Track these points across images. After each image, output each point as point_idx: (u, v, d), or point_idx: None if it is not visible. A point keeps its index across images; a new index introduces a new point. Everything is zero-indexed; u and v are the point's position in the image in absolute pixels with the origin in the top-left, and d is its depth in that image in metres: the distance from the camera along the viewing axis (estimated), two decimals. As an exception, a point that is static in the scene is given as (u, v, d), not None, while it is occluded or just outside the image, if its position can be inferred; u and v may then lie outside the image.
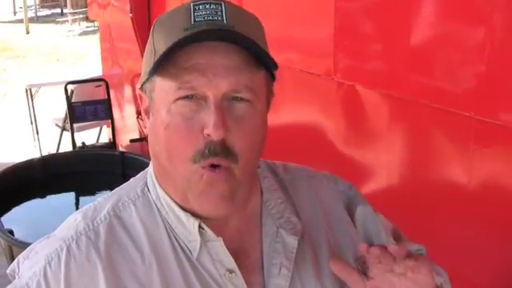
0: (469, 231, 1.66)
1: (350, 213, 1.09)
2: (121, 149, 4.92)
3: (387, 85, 1.87)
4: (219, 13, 0.88)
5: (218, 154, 0.87)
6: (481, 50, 1.51)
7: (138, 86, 0.97)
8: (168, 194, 0.96)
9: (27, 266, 0.96)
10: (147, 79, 0.92)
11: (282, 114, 2.30)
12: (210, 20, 0.87)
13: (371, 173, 2.03)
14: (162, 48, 0.88)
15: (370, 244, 0.99)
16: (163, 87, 0.89)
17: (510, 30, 1.45)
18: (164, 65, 0.87)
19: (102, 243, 0.94)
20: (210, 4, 0.89)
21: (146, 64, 0.93)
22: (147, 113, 0.96)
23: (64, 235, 0.96)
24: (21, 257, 0.99)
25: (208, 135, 0.86)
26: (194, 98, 0.87)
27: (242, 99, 0.88)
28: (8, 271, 1.00)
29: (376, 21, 1.91)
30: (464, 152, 1.62)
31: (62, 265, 0.92)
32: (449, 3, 1.61)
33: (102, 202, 1.00)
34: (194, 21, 0.87)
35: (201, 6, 0.89)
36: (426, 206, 1.82)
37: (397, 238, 1.15)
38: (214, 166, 0.88)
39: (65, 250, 0.93)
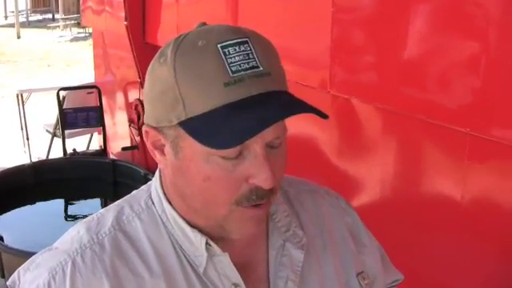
0: (462, 246, 1.66)
1: (351, 230, 1.11)
2: (112, 156, 4.91)
3: (383, 99, 1.87)
4: (251, 55, 0.85)
5: (265, 197, 0.88)
6: (476, 65, 1.52)
7: (146, 123, 0.93)
8: (176, 210, 0.95)
9: (29, 278, 0.95)
10: (171, 126, 0.87)
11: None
12: (247, 69, 0.84)
13: (365, 186, 2.04)
14: (199, 105, 0.84)
15: None
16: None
17: (506, 45, 1.45)
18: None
19: (108, 257, 0.92)
20: (239, 45, 0.85)
21: (167, 107, 0.87)
22: (157, 147, 0.93)
23: (67, 248, 0.94)
24: (21, 269, 0.97)
25: (256, 184, 0.86)
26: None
27: (279, 143, 0.89)
28: (8, 283, 0.98)
29: (373, 35, 1.92)
30: (458, 167, 1.63)
31: (67, 279, 0.91)
32: (446, 18, 1.63)
33: (105, 213, 0.99)
34: (232, 72, 0.83)
35: (230, 49, 0.85)
36: (419, 220, 1.82)
37: (384, 262, 1.18)
38: (259, 204, 0.89)
39: (70, 263, 0.92)
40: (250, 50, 0.86)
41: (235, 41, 0.86)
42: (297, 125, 2.30)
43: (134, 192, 1.03)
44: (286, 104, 0.85)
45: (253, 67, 0.85)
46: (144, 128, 0.94)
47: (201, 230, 0.94)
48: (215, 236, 0.94)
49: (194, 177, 0.88)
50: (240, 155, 0.86)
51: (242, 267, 0.95)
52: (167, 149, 0.90)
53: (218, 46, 0.85)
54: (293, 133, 2.29)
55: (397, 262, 1.24)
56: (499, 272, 1.56)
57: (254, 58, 0.85)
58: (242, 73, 0.84)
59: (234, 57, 0.84)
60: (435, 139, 1.73)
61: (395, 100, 1.82)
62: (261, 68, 0.85)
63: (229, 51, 0.84)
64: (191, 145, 0.86)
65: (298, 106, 0.86)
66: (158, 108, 0.88)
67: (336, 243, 1.07)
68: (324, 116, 0.87)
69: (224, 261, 0.94)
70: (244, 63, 0.84)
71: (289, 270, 0.99)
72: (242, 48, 0.85)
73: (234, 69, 0.83)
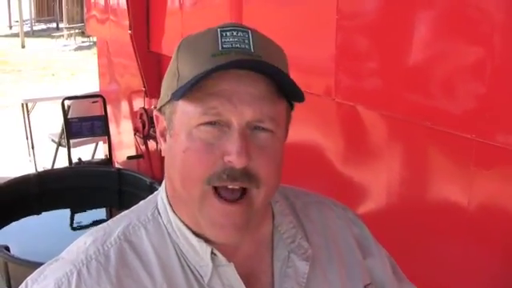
0: (468, 252, 1.66)
1: (358, 241, 1.11)
2: (117, 165, 4.91)
3: (388, 106, 1.87)
4: (246, 41, 0.89)
5: (238, 179, 0.87)
6: (481, 71, 1.52)
7: (157, 106, 0.97)
8: (180, 219, 0.96)
9: None
10: (168, 101, 0.92)
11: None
12: (238, 48, 0.87)
13: (371, 193, 2.03)
14: (187, 72, 0.88)
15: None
16: (186, 111, 0.89)
17: (511, 50, 1.45)
18: (189, 90, 0.86)
19: (113, 268, 0.93)
20: (238, 31, 0.89)
21: (167, 86, 0.93)
22: (163, 135, 0.96)
23: (74, 259, 0.95)
24: (29, 280, 0.97)
25: (229, 162, 0.86)
26: (217, 124, 0.87)
27: (264, 129, 0.89)
28: None
29: (377, 41, 1.92)
30: (464, 174, 1.63)
31: None
32: (451, 25, 1.62)
33: (112, 224, 0.99)
34: (222, 47, 0.88)
35: (228, 33, 0.89)
36: (426, 227, 1.82)
37: (395, 274, 1.17)
38: (232, 200, 0.88)
39: (75, 274, 0.92)
40: (248, 37, 0.90)
41: (235, 27, 0.90)
42: (302, 132, 2.30)
43: (141, 203, 1.04)
44: (257, 62, 0.87)
45: (244, 48, 0.88)
46: (154, 113, 0.99)
47: (205, 240, 0.93)
48: (217, 246, 0.93)
49: (177, 152, 0.90)
50: (219, 127, 0.87)
51: (246, 278, 0.95)
52: (167, 132, 0.94)
53: (219, 29, 0.90)
54: (298, 140, 2.30)
55: (404, 268, 1.23)
56: (506, 277, 1.56)
57: (248, 43, 0.89)
58: (232, 49, 0.88)
59: (229, 38, 0.89)
60: (441, 146, 1.73)
61: (400, 107, 1.82)
62: (252, 50, 0.88)
63: (226, 34, 0.89)
64: (180, 116, 0.90)
65: (270, 68, 0.86)
66: (163, 89, 0.94)
67: (342, 254, 1.07)
68: (300, 98, 0.90)
69: (229, 271, 0.94)
70: (236, 43, 0.88)
71: (294, 282, 0.98)
72: (240, 34, 0.90)
73: (225, 46, 0.88)
